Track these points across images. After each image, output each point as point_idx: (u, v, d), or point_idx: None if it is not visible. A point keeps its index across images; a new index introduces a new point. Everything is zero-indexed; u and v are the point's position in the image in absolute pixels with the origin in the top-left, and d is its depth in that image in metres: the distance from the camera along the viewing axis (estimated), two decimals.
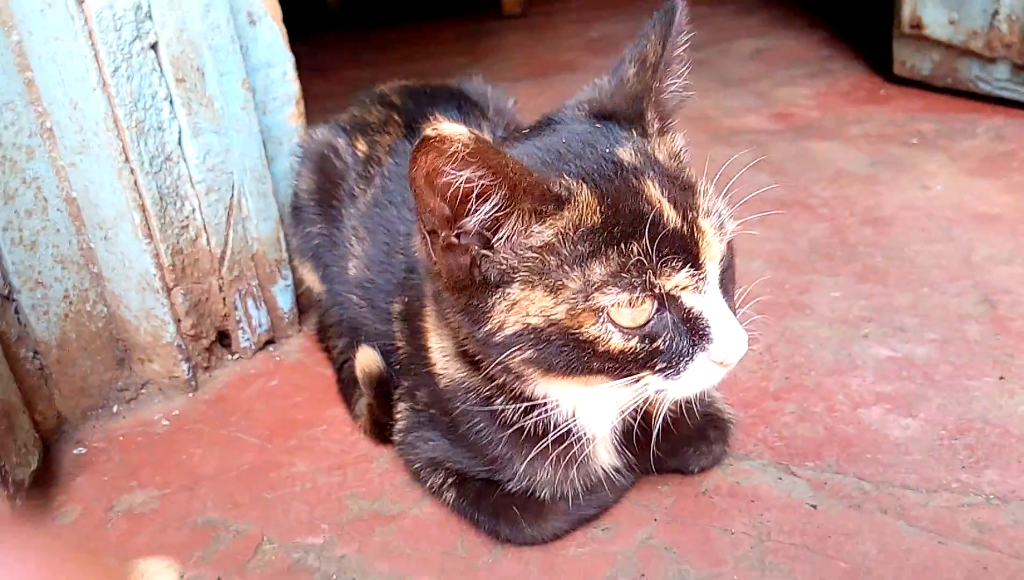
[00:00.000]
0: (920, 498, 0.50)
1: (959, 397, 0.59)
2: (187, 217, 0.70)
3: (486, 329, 0.40)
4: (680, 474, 0.54)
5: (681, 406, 0.49)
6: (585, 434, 0.46)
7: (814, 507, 0.50)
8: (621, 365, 0.39)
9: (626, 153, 0.41)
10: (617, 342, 0.38)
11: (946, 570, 0.45)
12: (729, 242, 0.43)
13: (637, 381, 0.39)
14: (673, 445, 0.52)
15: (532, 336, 0.39)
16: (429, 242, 0.40)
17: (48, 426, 0.68)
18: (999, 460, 0.53)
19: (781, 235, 0.88)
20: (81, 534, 0.58)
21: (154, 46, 0.66)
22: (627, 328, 0.38)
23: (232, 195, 0.73)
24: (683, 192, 0.40)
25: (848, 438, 0.56)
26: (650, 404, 0.48)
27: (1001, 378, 0.60)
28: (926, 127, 1.15)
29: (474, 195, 0.37)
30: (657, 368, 0.39)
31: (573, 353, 0.38)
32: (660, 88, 0.44)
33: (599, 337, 0.38)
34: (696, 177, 0.43)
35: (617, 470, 0.50)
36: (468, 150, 0.34)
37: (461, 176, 0.36)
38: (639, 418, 0.48)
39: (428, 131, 0.33)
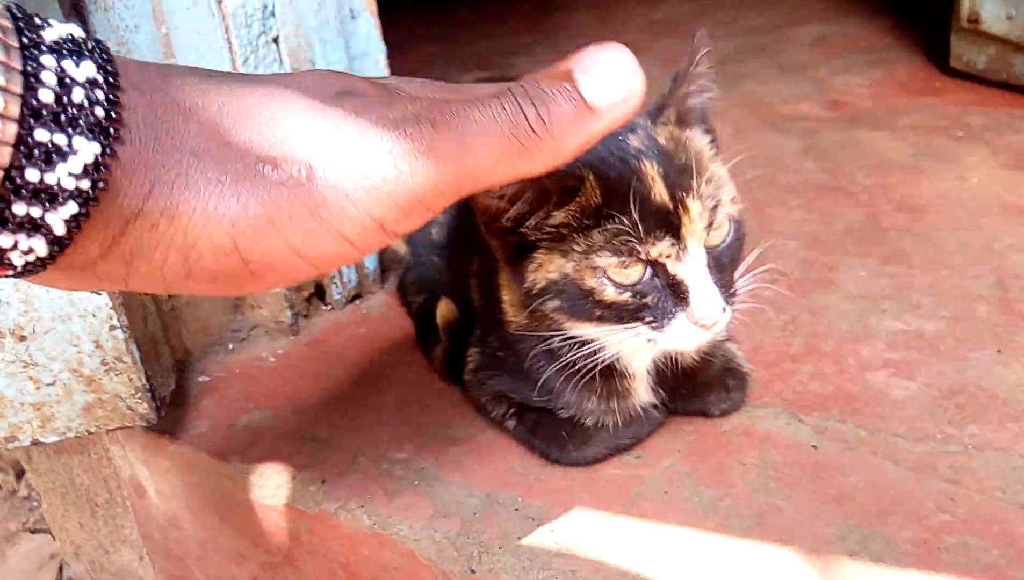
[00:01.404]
0: (907, 445, 0.59)
1: (957, 366, 0.67)
2: None
3: (526, 286, 0.52)
4: (703, 416, 0.64)
5: (702, 356, 0.60)
6: (626, 370, 0.57)
7: (815, 447, 0.60)
8: (617, 314, 0.49)
9: (635, 140, 0.51)
10: (611, 294, 0.49)
11: (919, 500, 0.54)
12: (738, 225, 0.52)
13: (631, 329, 0.50)
14: (698, 390, 0.62)
15: (553, 288, 0.50)
16: (485, 231, 0.52)
17: (178, 357, 0.82)
18: (982, 418, 0.61)
19: (818, 218, 0.96)
20: (210, 443, 0.72)
21: (276, 40, 0.78)
22: (620, 284, 0.49)
23: None
24: (679, 174, 0.49)
25: (853, 395, 0.65)
26: (677, 352, 0.58)
27: (999, 351, 0.68)
28: (975, 120, 1.19)
29: (508, 197, 0.48)
30: (646, 321, 0.49)
31: (580, 301, 0.50)
32: (682, 93, 0.53)
33: (596, 288, 0.49)
34: (704, 163, 0.51)
35: (651, 407, 0.61)
36: None
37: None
38: (669, 364, 0.58)
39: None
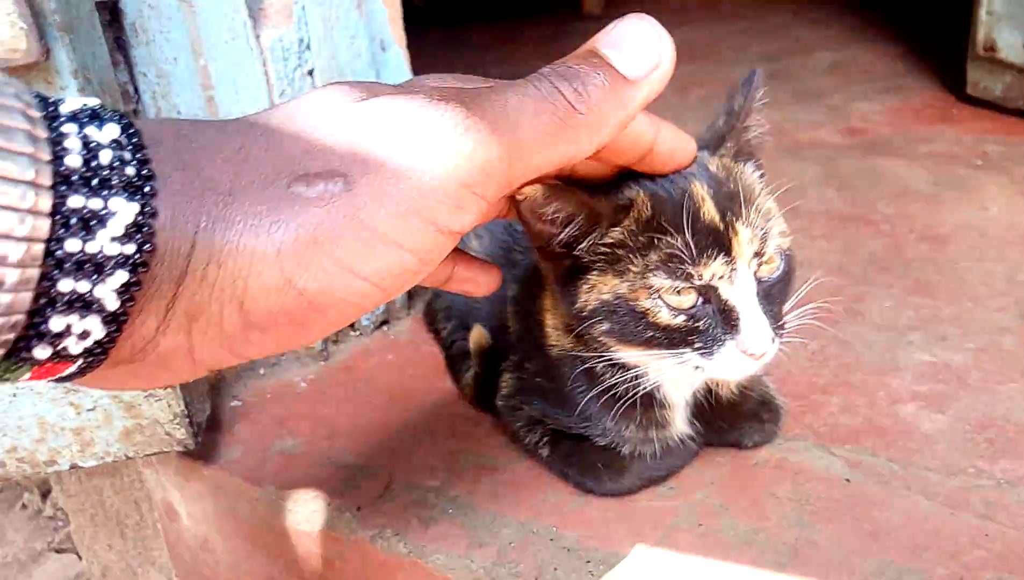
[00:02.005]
0: (940, 479, 0.60)
1: (986, 399, 0.68)
2: None
3: (576, 307, 0.52)
4: (736, 448, 0.65)
5: (740, 390, 0.61)
6: (665, 400, 0.58)
7: (848, 481, 0.60)
8: (667, 338, 0.50)
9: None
10: (665, 316, 0.49)
11: (953, 535, 0.55)
12: (789, 258, 0.53)
13: (679, 355, 0.50)
14: (732, 422, 0.63)
15: (605, 309, 0.51)
16: (540, 255, 0.52)
17: (212, 382, 0.83)
18: (1014, 452, 0.61)
19: (842, 247, 0.97)
20: (244, 467, 0.72)
21: (311, 72, 0.79)
22: (674, 308, 0.49)
23: None
24: (728, 199, 0.50)
25: (883, 428, 0.66)
26: (716, 384, 0.59)
27: None
28: (993, 149, 1.20)
29: (561, 221, 0.49)
30: (695, 346, 0.49)
31: (631, 323, 0.50)
32: (740, 128, 0.54)
33: (650, 309, 0.49)
34: (754, 194, 0.52)
35: (687, 438, 0.61)
36: (546, 196, 0.45)
37: (548, 210, 0.47)
38: (707, 396, 0.59)
39: (517, 196, 0.45)
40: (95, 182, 0.28)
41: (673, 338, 0.50)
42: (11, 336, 0.27)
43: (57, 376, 0.31)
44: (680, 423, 0.60)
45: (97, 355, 0.30)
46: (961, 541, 0.54)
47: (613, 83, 0.35)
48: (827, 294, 0.84)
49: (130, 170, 0.29)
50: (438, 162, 0.33)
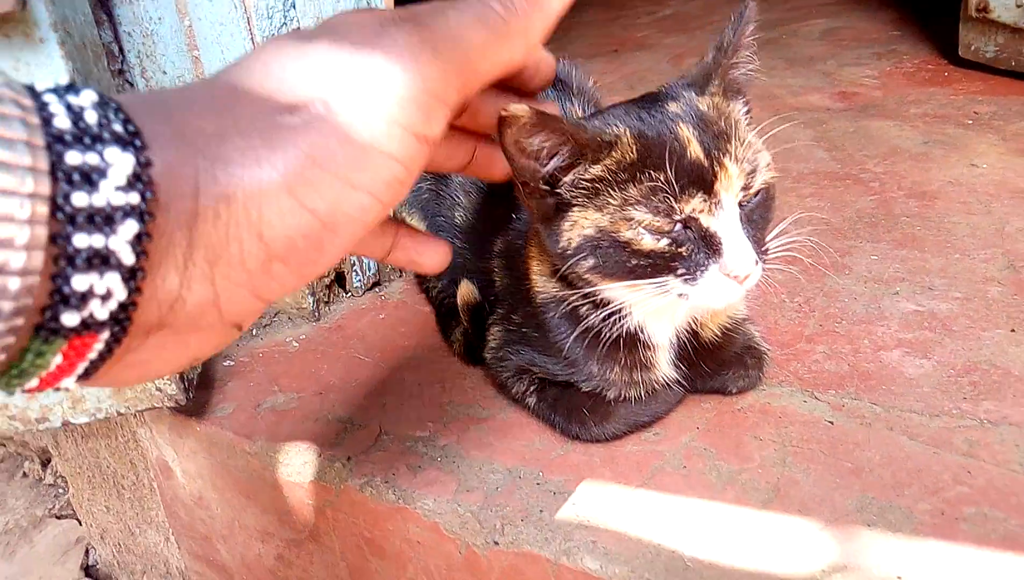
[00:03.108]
0: (923, 420, 0.60)
1: (971, 344, 0.68)
2: None
3: (561, 246, 0.53)
4: (721, 395, 0.65)
5: (724, 332, 0.61)
6: (649, 341, 0.58)
7: (831, 423, 0.61)
8: (651, 265, 0.50)
9: (675, 106, 0.53)
10: (648, 242, 0.50)
11: (936, 472, 0.55)
12: (768, 188, 0.53)
13: (663, 284, 0.50)
14: (717, 367, 0.63)
15: (589, 245, 0.51)
16: (522, 191, 0.53)
17: None
18: (997, 394, 0.62)
19: (831, 206, 0.97)
20: (236, 423, 0.73)
21: (297, 31, 0.79)
22: (658, 230, 0.50)
23: None
24: (716, 138, 0.51)
25: (868, 373, 0.66)
26: (699, 325, 0.59)
27: (1012, 330, 0.69)
28: (983, 108, 1.20)
29: (546, 153, 0.50)
30: (678, 273, 0.50)
31: (616, 255, 0.51)
32: (728, 64, 0.55)
33: (632, 239, 0.50)
34: (742, 131, 0.53)
35: (672, 383, 0.62)
36: (532, 121, 0.46)
37: (534, 141, 0.48)
38: (691, 338, 0.60)
39: (501, 113, 0.45)
40: (87, 139, 0.29)
41: (657, 265, 0.50)
42: (29, 301, 0.27)
43: (88, 358, 0.31)
44: (665, 366, 0.61)
45: (123, 322, 0.30)
46: (943, 478, 0.55)
47: None
48: (816, 250, 0.85)
49: (117, 127, 0.30)
50: (405, 75, 0.35)
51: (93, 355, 0.31)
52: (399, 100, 0.35)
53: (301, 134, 0.33)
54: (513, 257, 0.63)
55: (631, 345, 0.58)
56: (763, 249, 0.53)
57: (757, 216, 0.53)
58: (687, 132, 0.51)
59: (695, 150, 0.50)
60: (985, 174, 0.99)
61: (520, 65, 0.42)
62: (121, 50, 0.77)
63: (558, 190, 0.51)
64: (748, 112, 0.58)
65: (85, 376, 0.32)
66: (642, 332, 0.58)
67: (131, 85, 0.78)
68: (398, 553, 0.64)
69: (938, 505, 0.53)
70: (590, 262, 0.52)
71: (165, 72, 0.79)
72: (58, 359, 0.30)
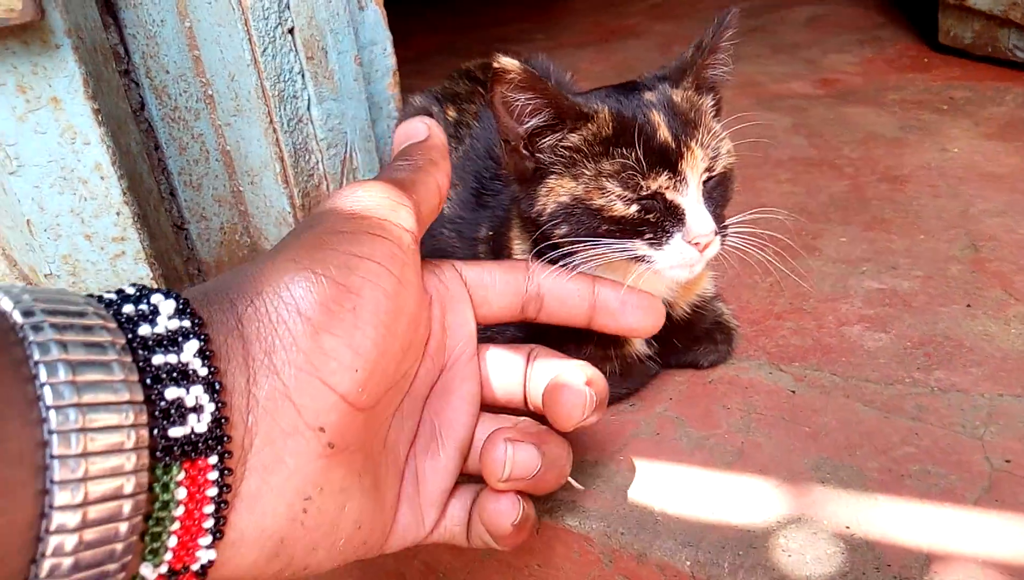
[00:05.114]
0: (878, 388, 0.65)
1: (928, 319, 0.73)
2: (313, 168, 0.89)
3: (536, 210, 0.58)
4: (694, 369, 0.70)
5: (693, 309, 0.66)
6: None
7: (793, 392, 0.66)
8: (620, 229, 0.55)
9: (651, 95, 0.59)
10: (619, 208, 0.55)
11: (886, 435, 0.60)
12: (726, 172, 0.59)
13: (631, 250, 0.55)
14: (688, 343, 0.68)
15: (562, 211, 0.56)
16: (505, 149, 0.58)
17: None
18: (949, 364, 0.66)
19: (805, 190, 1.01)
20: None
21: (291, 31, 0.83)
22: (628, 198, 0.55)
23: (346, 151, 0.91)
24: (684, 125, 0.56)
25: (830, 346, 0.71)
26: (669, 306, 0.64)
27: (968, 306, 0.74)
28: (959, 94, 1.24)
29: (528, 112, 0.55)
30: (645, 237, 0.55)
31: (588, 220, 0.55)
32: (702, 64, 0.60)
33: (605, 205, 0.55)
34: (708, 121, 0.59)
35: (645, 358, 0.66)
36: (521, 78, 0.52)
37: (520, 98, 0.53)
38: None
39: (494, 64, 0.50)
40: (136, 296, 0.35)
41: (626, 230, 0.55)
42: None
43: (209, 495, 0.34)
44: (638, 342, 0.65)
45: (222, 439, 0.35)
46: (892, 440, 0.60)
47: None
48: (789, 233, 0.90)
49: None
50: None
51: (212, 492, 0.34)
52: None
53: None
54: (498, 241, 0.67)
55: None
56: (722, 225, 0.57)
57: (717, 194, 0.58)
58: (658, 117, 0.56)
59: (664, 133, 0.56)
60: (955, 158, 1.04)
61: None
62: (127, 51, 0.82)
63: (538, 154, 0.56)
64: (716, 106, 0.63)
65: (217, 532, 0.35)
66: None
67: (136, 84, 0.83)
68: None
69: (886, 463, 0.58)
70: (563, 229, 0.56)
71: (168, 71, 0.83)
72: (182, 493, 0.33)
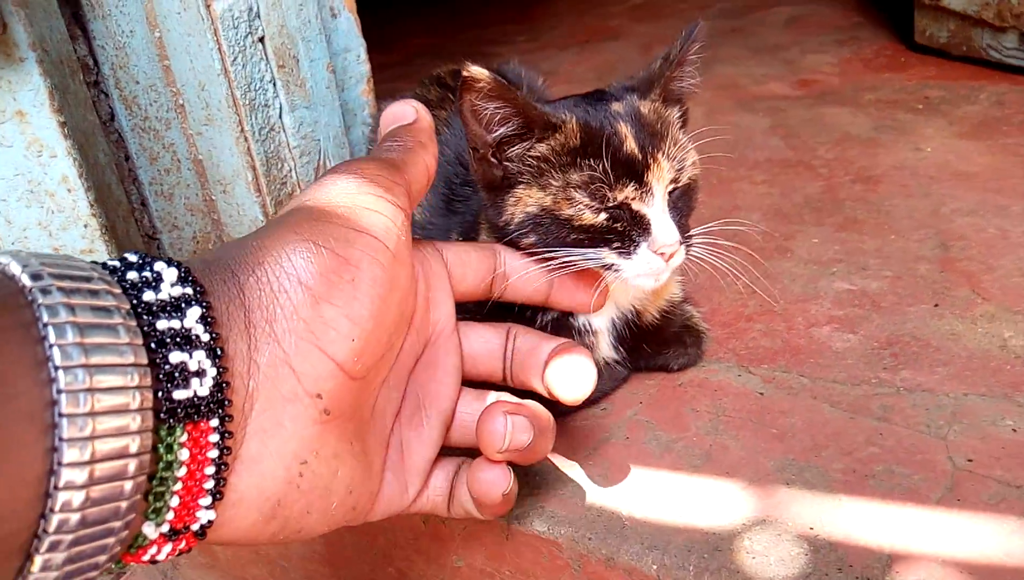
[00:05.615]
0: (844, 389, 0.65)
1: (896, 319, 0.73)
2: (285, 176, 0.89)
3: (504, 219, 0.58)
4: (664, 371, 0.70)
5: (662, 314, 0.66)
6: (588, 326, 0.63)
7: (761, 394, 0.66)
8: (589, 238, 0.55)
9: (618, 106, 0.59)
10: (588, 217, 0.55)
11: (851, 435, 0.60)
12: (691, 183, 0.59)
13: (599, 257, 0.55)
14: (658, 347, 0.68)
15: (530, 221, 0.56)
16: (473, 157, 0.58)
17: None
18: (915, 364, 0.67)
19: (780, 192, 1.02)
20: None
21: (262, 39, 0.83)
22: (597, 208, 0.55)
23: (319, 158, 0.91)
24: (651, 136, 0.56)
25: (799, 348, 0.71)
26: (637, 314, 0.64)
27: (936, 305, 0.74)
28: (934, 93, 1.25)
29: (497, 120, 0.55)
30: (613, 245, 0.55)
31: (556, 230, 0.55)
32: (670, 76, 0.60)
33: (574, 215, 0.55)
34: (674, 133, 0.59)
35: (613, 363, 0.67)
36: (490, 87, 0.52)
37: (489, 107, 0.54)
38: (631, 324, 0.65)
39: (463, 72, 0.50)
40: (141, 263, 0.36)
41: (594, 239, 0.55)
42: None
43: (211, 458, 0.35)
44: (606, 348, 0.65)
45: (224, 403, 0.36)
46: (858, 440, 0.60)
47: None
48: (756, 241, 0.90)
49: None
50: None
51: (213, 454, 0.35)
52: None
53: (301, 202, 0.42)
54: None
55: (569, 333, 0.62)
56: (687, 234, 0.58)
57: (682, 204, 0.58)
58: (626, 129, 0.56)
59: (631, 145, 0.56)
60: (928, 158, 1.04)
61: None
62: (96, 63, 0.82)
63: (506, 162, 0.56)
64: (683, 117, 0.63)
65: (217, 493, 0.36)
66: (576, 320, 0.62)
67: (106, 95, 0.83)
68: None
69: (851, 464, 0.58)
70: (531, 238, 0.57)
71: (138, 82, 0.83)
72: (184, 455, 0.34)
